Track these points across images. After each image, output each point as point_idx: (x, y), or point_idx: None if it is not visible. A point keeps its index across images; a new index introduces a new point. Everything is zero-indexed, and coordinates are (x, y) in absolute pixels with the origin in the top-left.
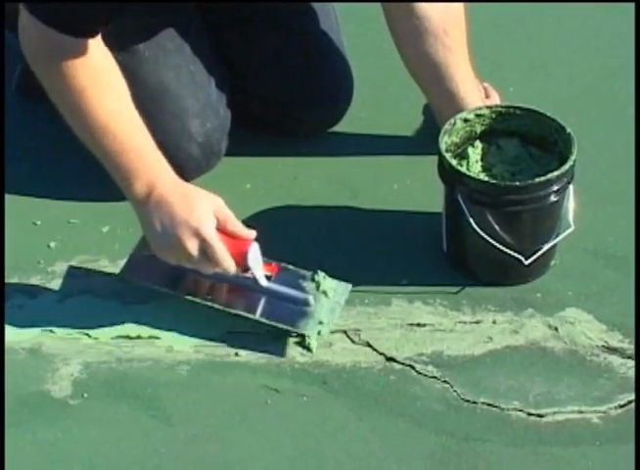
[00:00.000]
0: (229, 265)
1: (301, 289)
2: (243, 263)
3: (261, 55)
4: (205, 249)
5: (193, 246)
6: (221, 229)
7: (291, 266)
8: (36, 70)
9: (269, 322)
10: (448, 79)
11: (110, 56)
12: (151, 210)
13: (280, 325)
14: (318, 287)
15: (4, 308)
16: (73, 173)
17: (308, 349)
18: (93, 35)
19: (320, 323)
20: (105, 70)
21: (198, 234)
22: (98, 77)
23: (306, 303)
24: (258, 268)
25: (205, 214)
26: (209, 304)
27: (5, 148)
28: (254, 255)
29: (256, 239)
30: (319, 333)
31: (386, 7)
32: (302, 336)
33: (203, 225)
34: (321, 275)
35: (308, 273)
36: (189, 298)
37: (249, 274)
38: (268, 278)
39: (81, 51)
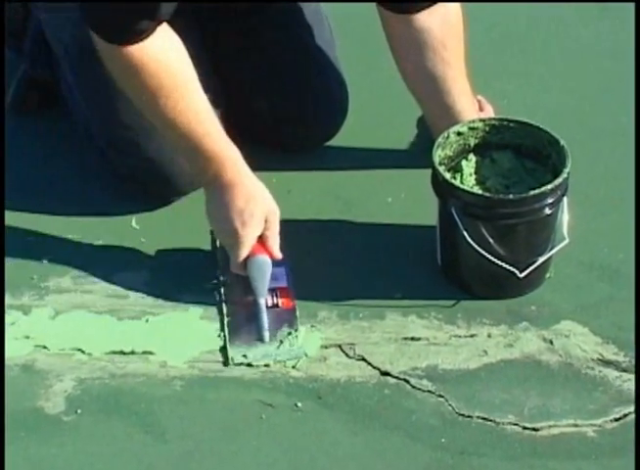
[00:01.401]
0: (236, 267)
1: (272, 327)
2: (243, 268)
3: (257, 69)
4: (234, 244)
5: (225, 237)
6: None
7: (297, 314)
8: (118, 80)
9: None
10: (445, 93)
11: (180, 44)
12: (216, 191)
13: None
14: (284, 338)
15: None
16: (67, 189)
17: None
18: (148, 33)
19: (244, 356)
20: (179, 67)
21: (236, 232)
22: (176, 78)
23: (262, 338)
24: (260, 282)
25: (256, 218)
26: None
27: None
28: (258, 267)
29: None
30: (232, 359)
31: (384, 17)
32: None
33: (246, 227)
34: (294, 334)
35: (297, 326)
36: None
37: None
38: (276, 306)
39: (152, 54)
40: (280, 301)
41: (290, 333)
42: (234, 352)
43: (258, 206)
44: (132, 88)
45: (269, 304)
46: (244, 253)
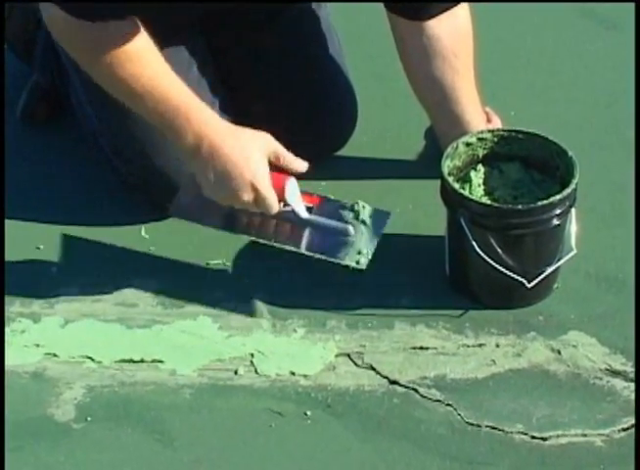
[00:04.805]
0: (274, 209)
1: (341, 219)
2: (282, 197)
3: (266, 80)
4: (257, 197)
5: (247, 196)
6: (274, 164)
7: (332, 197)
8: (71, 53)
9: (312, 254)
10: (454, 102)
11: (149, 40)
12: (203, 161)
13: (321, 256)
14: (357, 216)
15: (4, 333)
16: (76, 199)
17: (356, 268)
18: (123, 17)
19: (359, 253)
20: (141, 47)
21: (252, 186)
22: (138, 53)
23: (346, 233)
24: (297, 202)
25: (259, 163)
26: (255, 239)
27: (8, 173)
28: (292, 189)
29: (295, 175)
30: (357, 262)
31: (394, 25)
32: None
33: (257, 178)
34: (360, 205)
35: (349, 203)
36: (238, 234)
37: (289, 208)
38: (310, 210)
39: (121, 37)
40: (309, 204)
41: (353, 210)
42: (350, 260)
43: (255, 148)
44: (100, 62)
45: (308, 213)
46: (273, 201)
